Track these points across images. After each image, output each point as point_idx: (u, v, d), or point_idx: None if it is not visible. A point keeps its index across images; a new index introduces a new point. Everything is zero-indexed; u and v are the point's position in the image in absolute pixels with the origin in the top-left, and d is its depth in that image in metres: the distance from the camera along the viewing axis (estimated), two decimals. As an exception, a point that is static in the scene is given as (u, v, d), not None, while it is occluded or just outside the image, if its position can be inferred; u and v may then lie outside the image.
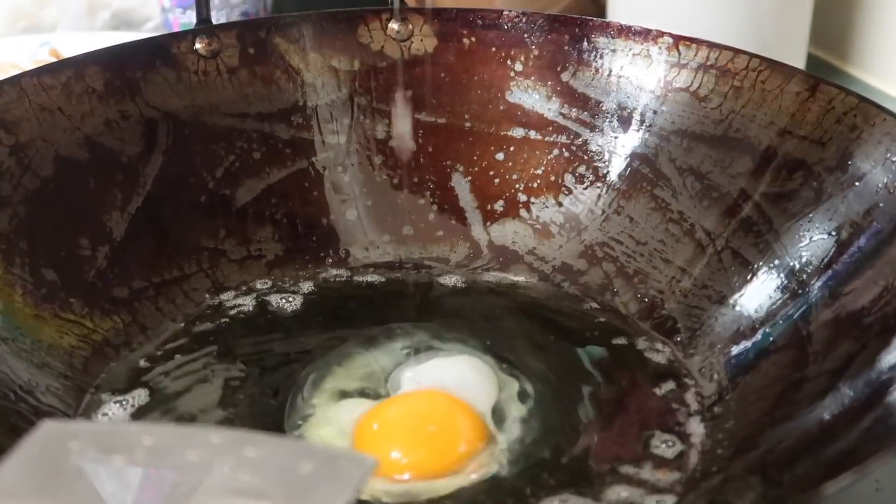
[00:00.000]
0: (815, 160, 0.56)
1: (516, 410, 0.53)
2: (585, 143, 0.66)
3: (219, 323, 0.60)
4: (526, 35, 0.68)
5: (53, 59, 0.94)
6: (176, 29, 1.03)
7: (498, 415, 0.52)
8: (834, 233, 0.54)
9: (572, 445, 0.50)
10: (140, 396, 0.54)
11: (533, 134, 0.68)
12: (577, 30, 0.67)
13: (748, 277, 0.57)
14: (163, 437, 0.34)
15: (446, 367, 0.55)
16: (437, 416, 0.52)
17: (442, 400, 0.52)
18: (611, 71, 0.66)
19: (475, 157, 0.68)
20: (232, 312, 0.61)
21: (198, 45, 0.66)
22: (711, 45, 0.62)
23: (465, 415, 0.51)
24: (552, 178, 0.67)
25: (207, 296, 0.62)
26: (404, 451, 0.49)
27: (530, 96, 0.68)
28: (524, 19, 0.68)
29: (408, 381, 0.54)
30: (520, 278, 0.65)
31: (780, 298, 0.54)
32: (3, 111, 0.58)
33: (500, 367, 0.55)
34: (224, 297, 0.62)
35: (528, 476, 0.48)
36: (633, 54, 0.65)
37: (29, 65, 0.95)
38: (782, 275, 0.55)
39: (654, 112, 0.64)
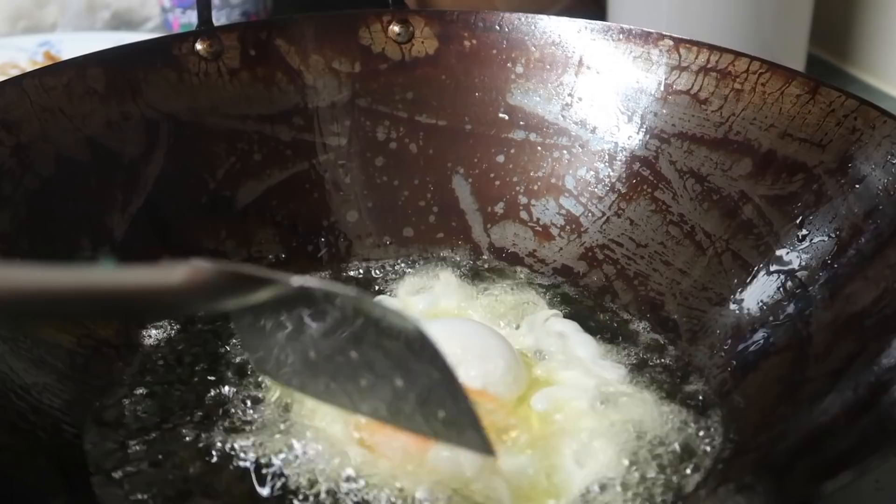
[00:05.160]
0: (815, 162, 0.56)
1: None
2: (586, 145, 0.66)
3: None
4: (527, 37, 0.68)
5: (49, 62, 0.94)
6: (176, 29, 1.03)
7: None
8: (834, 235, 0.54)
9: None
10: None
11: (533, 136, 0.68)
12: (578, 32, 0.67)
13: (748, 279, 0.57)
14: None
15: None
16: None
17: None
18: (611, 73, 0.66)
19: (476, 160, 0.69)
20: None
21: (199, 47, 0.66)
22: (712, 48, 0.62)
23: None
24: (553, 181, 0.67)
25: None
26: None
27: (531, 98, 0.68)
28: (525, 21, 0.68)
29: None
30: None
31: (780, 300, 0.55)
32: (4, 112, 0.58)
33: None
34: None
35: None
36: (634, 57, 0.65)
37: (27, 65, 0.95)
38: (782, 276, 0.55)
39: (655, 114, 0.64)
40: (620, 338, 0.59)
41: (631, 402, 0.52)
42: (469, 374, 0.52)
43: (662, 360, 0.57)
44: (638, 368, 0.56)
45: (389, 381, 0.42)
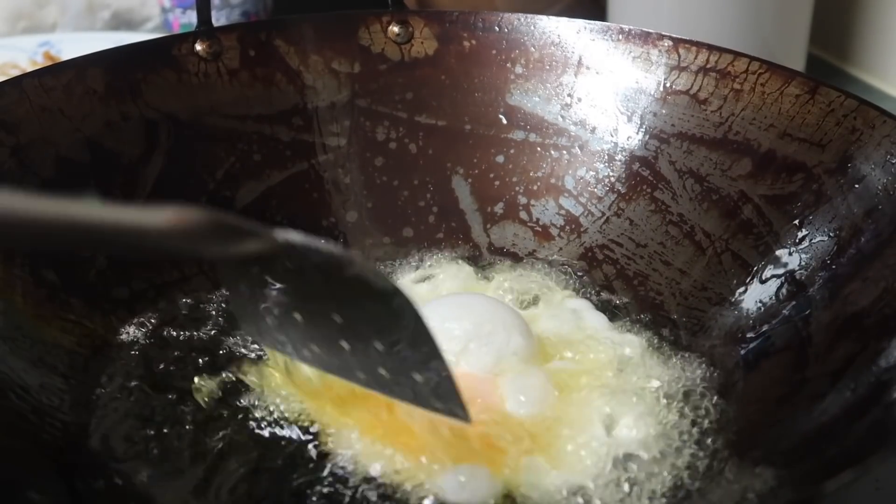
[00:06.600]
0: (814, 162, 0.56)
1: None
2: (585, 145, 0.66)
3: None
4: (526, 38, 0.68)
5: (49, 62, 0.94)
6: (176, 29, 1.03)
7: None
8: (834, 234, 0.54)
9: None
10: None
11: (533, 136, 0.68)
12: (577, 32, 0.67)
13: (748, 279, 0.57)
14: None
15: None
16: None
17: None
18: (611, 73, 0.66)
19: (475, 160, 0.69)
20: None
21: (198, 47, 0.66)
22: (711, 48, 0.62)
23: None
24: (552, 181, 0.67)
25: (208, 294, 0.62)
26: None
27: (530, 99, 0.68)
28: (524, 22, 0.68)
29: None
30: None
31: (779, 300, 0.55)
32: (4, 112, 0.58)
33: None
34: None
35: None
36: (634, 57, 0.65)
37: (27, 65, 0.95)
38: (782, 277, 0.55)
39: (654, 115, 0.64)
40: (619, 338, 0.59)
41: (649, 371, 0.54)
42: (482, 347, 0.52)
43: (661, 361, 0.57)
44: (637, 369, 0.56)
45: (369, 345, 0.42)
